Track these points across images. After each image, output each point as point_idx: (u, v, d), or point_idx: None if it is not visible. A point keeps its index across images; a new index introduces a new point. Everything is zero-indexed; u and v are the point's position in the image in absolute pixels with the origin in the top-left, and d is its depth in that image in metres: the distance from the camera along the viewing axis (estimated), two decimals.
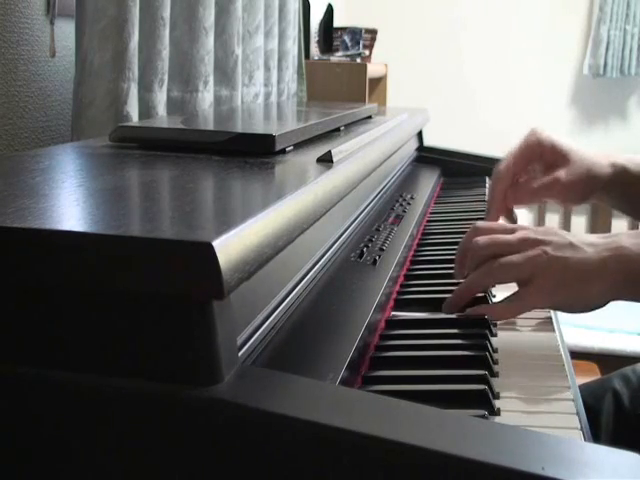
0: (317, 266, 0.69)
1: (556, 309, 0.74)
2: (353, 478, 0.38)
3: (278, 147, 0.75)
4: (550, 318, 0.77)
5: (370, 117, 1.26)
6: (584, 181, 0.87)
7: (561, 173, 0.87)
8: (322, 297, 0.65)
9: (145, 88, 1.05)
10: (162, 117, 1.08)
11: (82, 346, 0.42)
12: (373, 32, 2.48)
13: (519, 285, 0.71)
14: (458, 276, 0.77)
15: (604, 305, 0.70)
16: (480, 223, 0.77)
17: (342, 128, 1.03)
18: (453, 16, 3.38)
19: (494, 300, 0.80)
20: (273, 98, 1.65)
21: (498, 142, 3.24)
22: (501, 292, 0.83)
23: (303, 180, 0.64)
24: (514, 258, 0.70)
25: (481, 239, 0.73)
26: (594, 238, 0.70)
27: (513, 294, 0.72)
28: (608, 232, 0.76)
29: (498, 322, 0.73)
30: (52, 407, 0.42)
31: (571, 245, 0.69)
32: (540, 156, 0.88)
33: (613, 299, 0.69)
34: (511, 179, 0.88)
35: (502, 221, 0.91)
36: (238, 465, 0.40)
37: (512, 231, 0.73)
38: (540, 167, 0.89)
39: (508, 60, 3.38)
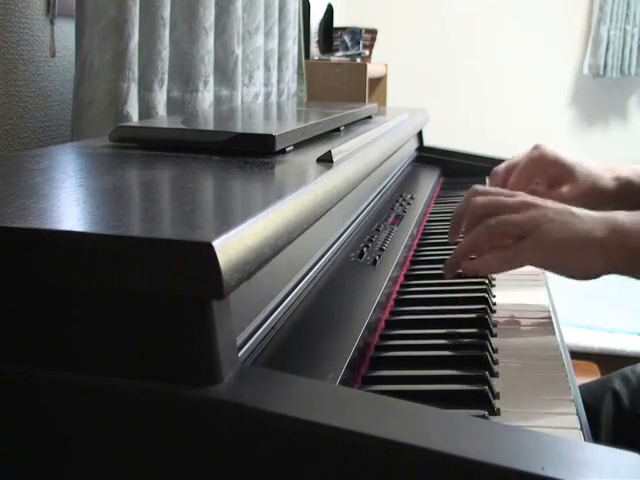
0: (317, 266, 0.69)
1: (549, 270, 0.73)
2: (353, 478, 0.38)
3: (278, 147, 0.75)
4: (550, 318, 0.77)
5: (370, 117, 1.26)
6: (589, 196, 0.87)
7: (566, 190, 0.87)
8: (322, 297, 0.65)
9: (145, 88, 1.05)
10: (162, 117, 1.08)
11: (82, 346, 0.42)
12: (373, 32, 2.48)
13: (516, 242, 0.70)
14: (452, 238, 0.77)
15: (599, 276, 0.69)
16: (479, 186, 0.77)
17: (342, 128, 1.03)
18: (453, 16, 3.38)
19: (493, 298, 0.80)
20: (273, 98, 1.65)
21: (498, 142, 3.25)
22: (501, 291, 0.83)
23: (303, 180, 0.64)
24: (513, 216, 0.70)
25: (480, 199, 0.73)
26: (594, 212, 0.70)
27: (508, 249, 0.71)
28: None
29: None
30: (52, 407, 0.42)
31: (571, 213, 0.69)
32: (544, 171, 0.89)
33: (609, 272, 0.69)
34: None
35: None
36: (238, 465, 0.40)
37: (512, 196, 0.73)
38: (544, 182, 0.90)
39: (508, 60, 3.39)
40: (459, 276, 0.75)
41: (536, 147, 0.90)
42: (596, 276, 0.70)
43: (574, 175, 0.87)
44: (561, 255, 0.69)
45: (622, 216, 0.69)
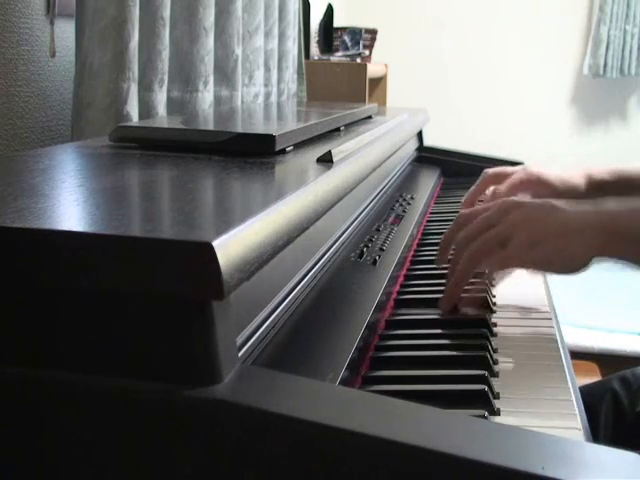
0: (317, 266, 0.69)
1: (536, 268, 0.74)
2: (353, 478, 0.38)
3: (278, 147, 0.75)
4: (550, 318, 0.77)
5: (370, 117, 1.26)
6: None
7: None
8: (322, 297, 0.65)
9: (145, 88, 1.05)
10: (162, 117, 1.08)
11: (82, 346, 0.42)
12: (373, 32, 2.48)
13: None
14: (439, 264, 0.80)
15: (586, 265, 0.70)
16: (464, 211, 0.79)
17: (342, 128, 1.03)
18: (453, 16, 3.38)
19: (493, 298, 0.80)
20: (273, 98, 1.65)
21: (498, 142, 3.24)
22: (501, 291, 0.83)
23: (303, 180, 0.64)
24: (492, 231, 0.71)
25: (462, 234, 0.75)
26: (577, 201, 0.72)
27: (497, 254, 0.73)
28: None
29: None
30: (52, 407, 0.42)
31: (550, 204, 0.71)
32: (527, 189, 1.01)
33: (595, 256, 0.69)
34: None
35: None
36: (238, 465, 0.40)
37: (491, 208, 0.75)
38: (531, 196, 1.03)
39: (508, 60, 3.39)
40: (456, 309, 0.75)
41: (523, 168, 1.02)
42: (581, 265, 0.70)
43: (552, 186, 0.98)
44: (542, 247, 0.69)
45: (609, 199, 0.70)
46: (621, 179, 0.99)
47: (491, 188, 1.01)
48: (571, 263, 0.70)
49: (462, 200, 1.06)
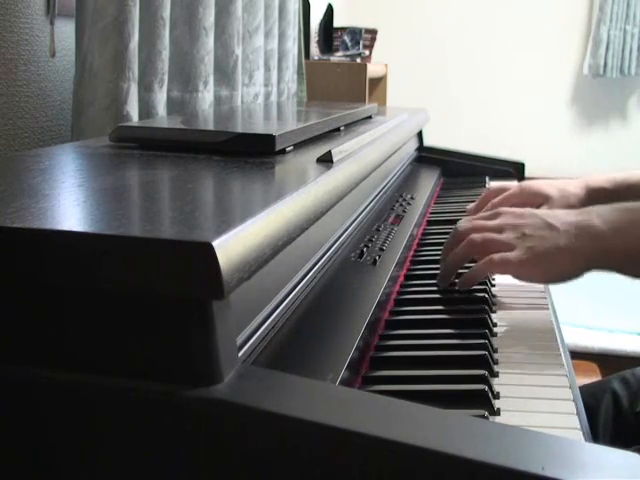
0: (317, 266, 0.69)
1: (527, 280, 0.78)
2: (352, 478, 0.38)
3: (278, 147, 0.75)
4: (550, 318, 0.77)
5: (370, 117, 1.26)
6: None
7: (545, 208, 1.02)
8: (322, 297, 0.65)
9: (145, 88, 1.05)
10: (162, 117, 1.08)
11: (82, 346, 0.42)
12: (373, 32, 2.48)
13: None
14: (444, 284, 0.82)
15: (579, 276, 0.75)
16: (460, 225, 0.83)
17: (342, 128, 1.03)
18: (453, 16, 3.38)
19: (493, 298, 0.80)
20: (273, 98, 1.65)
21: (498, 142, 3.24)
22: (501, 291, 0.83)
23: (303, 180, 0.64)
24: (496, 236, 0.77)
25: (463, 224, 0.81)
26: (569, 216, 0.77)
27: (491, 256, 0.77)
28: None
29: (495, 322, 0.74)
30: (52, 407, 0.42)
31: (548, 225, 0.76)
32: (524, 202, 1.03)
33: (586, 270, 0.75)
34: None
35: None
36: (238, 465, 0.40)
37: (493, 217, 0.81)
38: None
39: (508, 60, 3.39)
40: (453, 284, 0.81)
41: (521, 183, 1.06)
42: (574, 277, 0.75)
43: (550, 198, 1.03)
44: (539, 266, 0.75)
45: (595, 218, 0.75)
46: (621, 187, 1.01)
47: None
48: (564, 277, 0.75)
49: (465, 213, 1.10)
